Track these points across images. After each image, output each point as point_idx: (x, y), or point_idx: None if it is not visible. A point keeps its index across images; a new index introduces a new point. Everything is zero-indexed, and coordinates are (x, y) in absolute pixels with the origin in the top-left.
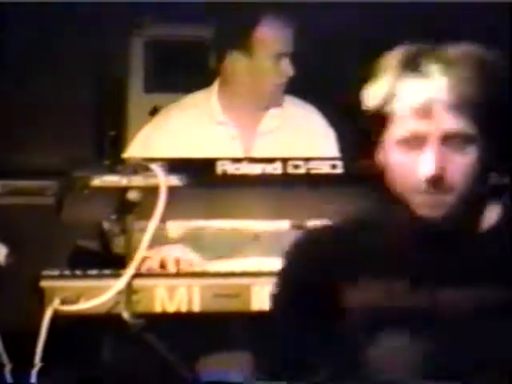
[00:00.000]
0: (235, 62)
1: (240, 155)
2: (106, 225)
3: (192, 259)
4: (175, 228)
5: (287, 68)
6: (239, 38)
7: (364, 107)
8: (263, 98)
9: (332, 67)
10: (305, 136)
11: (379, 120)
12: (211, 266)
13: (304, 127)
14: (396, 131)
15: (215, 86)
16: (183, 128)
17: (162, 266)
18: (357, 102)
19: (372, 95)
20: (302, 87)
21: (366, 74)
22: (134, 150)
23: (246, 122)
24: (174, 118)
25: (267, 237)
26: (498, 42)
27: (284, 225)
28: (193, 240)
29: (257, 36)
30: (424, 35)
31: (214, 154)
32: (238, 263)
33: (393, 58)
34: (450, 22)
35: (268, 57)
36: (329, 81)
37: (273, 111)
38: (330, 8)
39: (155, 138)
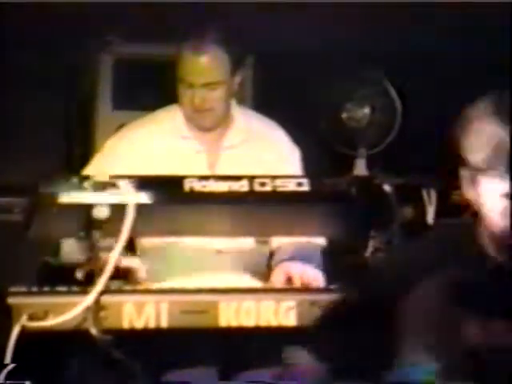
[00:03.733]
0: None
1: (205, 169)
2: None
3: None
4: (141, 244)
5: (196, 100)
6: (170, 62)
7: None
8: (192, 119)
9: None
10: (269, 150)
11: (481, 168)
12: (178, 282)
13: (268, 142)
14: (501, 186)
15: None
16: (148, 142)
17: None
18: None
19: (475, 148)
20: (264, 105)
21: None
22: (98, 162)
23: (210, 136)
24: (139, 132)
25: (232, 253)
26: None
27: (249, 242)
28: (158, 256)
29: (178, 62)
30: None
31: (179, 168)
32: (203, 279)
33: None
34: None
35: (183, 83)
36: (292, 99)
37: (237, 125)
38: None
39: (120, 151)
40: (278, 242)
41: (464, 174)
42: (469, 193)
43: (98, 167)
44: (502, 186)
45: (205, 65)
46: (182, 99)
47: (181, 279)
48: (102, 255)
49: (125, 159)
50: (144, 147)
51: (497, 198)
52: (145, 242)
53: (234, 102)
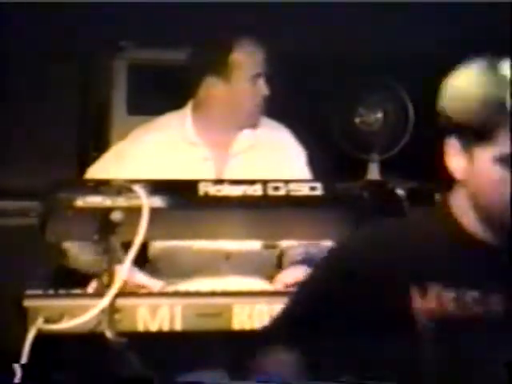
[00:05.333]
0: (212, 86)
1: (212, 176)
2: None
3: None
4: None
5: (263, 88)
6: (215, 63)
7: (458, 116)
8: (241, 119)
9: (307, 90)
10: (276, 156)
11: (479, 133)
12: (190, 285)
13: (275, 147)
14: (500, 148)
15: (188, 108)
16: (156, 147)
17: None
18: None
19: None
20: (277, 110)
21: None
22: (104, 165)
23: (219, 143)
24: (147, 137)
25: (241, 256)
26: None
27: (257, 245)
28: (169, 259)
29: (233, 60)
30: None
31: (187, 175)
32: (214, 283)
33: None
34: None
35: (245, 79)
36: (304, 103)
37: (245, 132)
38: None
39: (127, 156)
40: (288, 242)
41: (452, 142)
42: (457, 163)
43: (103, 170)
44: (499, 151)
45: (261, 55)
46: (241, 99)
47: (192, 282)
48: (117, 267)
49: (131, 165)
50: (151, 153)
51: (493, 166)
52: (157, 245)
53: None
